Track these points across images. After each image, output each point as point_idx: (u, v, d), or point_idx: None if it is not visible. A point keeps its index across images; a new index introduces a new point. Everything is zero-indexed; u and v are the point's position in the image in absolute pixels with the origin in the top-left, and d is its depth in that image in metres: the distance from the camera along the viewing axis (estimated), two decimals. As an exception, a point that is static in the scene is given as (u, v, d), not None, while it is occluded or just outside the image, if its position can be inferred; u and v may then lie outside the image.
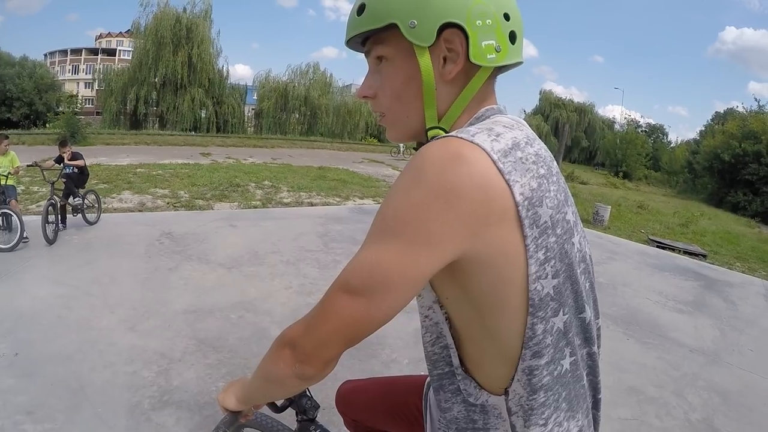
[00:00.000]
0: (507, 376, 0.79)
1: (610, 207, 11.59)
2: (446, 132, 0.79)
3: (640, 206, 15.85)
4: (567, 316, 0.77)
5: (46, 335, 3.36)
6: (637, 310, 5.14)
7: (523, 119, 0.89)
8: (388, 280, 0.67)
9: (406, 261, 0.66)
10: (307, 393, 1.26)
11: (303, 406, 1.24)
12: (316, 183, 12.32)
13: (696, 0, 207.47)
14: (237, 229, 6.76)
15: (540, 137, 0.81)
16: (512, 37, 0.79)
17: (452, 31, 0.75)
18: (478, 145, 0.67)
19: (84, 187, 6.42)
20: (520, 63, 0.84)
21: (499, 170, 0.66)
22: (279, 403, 1.23)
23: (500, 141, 0.70)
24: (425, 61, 0.77)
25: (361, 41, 0.84)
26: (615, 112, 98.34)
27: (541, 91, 56.11)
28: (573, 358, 0.80)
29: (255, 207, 8.85)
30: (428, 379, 1.17)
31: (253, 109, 35.52)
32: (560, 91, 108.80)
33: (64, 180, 6.10)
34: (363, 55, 0.87)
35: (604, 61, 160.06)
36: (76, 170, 6.25)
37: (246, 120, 34.58)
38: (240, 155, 18.29)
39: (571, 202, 0.80)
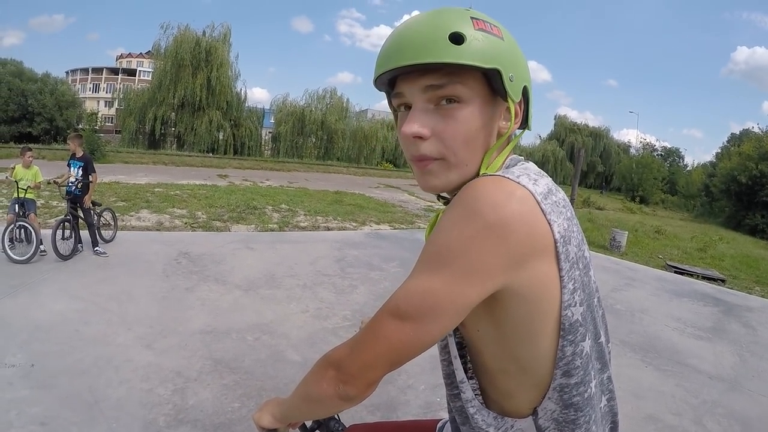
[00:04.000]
0: (537, 397, 0.82)
1: (627, 232, 11.46)
2: None
3: (658, 231, 15.63)
4: (590, 341, 0.81)
5: (62, 348, 3.40)
6: (655, 337, 5.05)
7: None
8: (438, 307, 0.70)
9: (457, 289, 0.69)
10: (336, 416, 1.26)
11: (331, 428, 1.23)
12: (332, 207, 12.38)
13: (707, 21, 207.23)
14: (254, 252, 6.82)
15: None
16: None
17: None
18: (524, 186, 0.72)
19: (83, 200, 5.90)
20: None
21: (542, 210, 0.71)
22: (308, 425, 1.22)
23: (539, 185, 0.75)
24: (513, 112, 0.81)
25: (389, 78, 0.81)
26: (630, 136, 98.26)
27: (555, 116, 56.22)
28: (596, 381, 0.84)
29: (272, 230, 8.91)
30: (439, 423, 1.19)
31: (270, 132, 36.02)
32: (575, 115, 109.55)
33: (68, 198, 5.85)
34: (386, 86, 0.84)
35: (617, 85, 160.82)
36: (78, 189, 5.87)
37: (263, 143, 35.13)
38: (257, 178, 18.55)
39: (585, 241, 0.86)
